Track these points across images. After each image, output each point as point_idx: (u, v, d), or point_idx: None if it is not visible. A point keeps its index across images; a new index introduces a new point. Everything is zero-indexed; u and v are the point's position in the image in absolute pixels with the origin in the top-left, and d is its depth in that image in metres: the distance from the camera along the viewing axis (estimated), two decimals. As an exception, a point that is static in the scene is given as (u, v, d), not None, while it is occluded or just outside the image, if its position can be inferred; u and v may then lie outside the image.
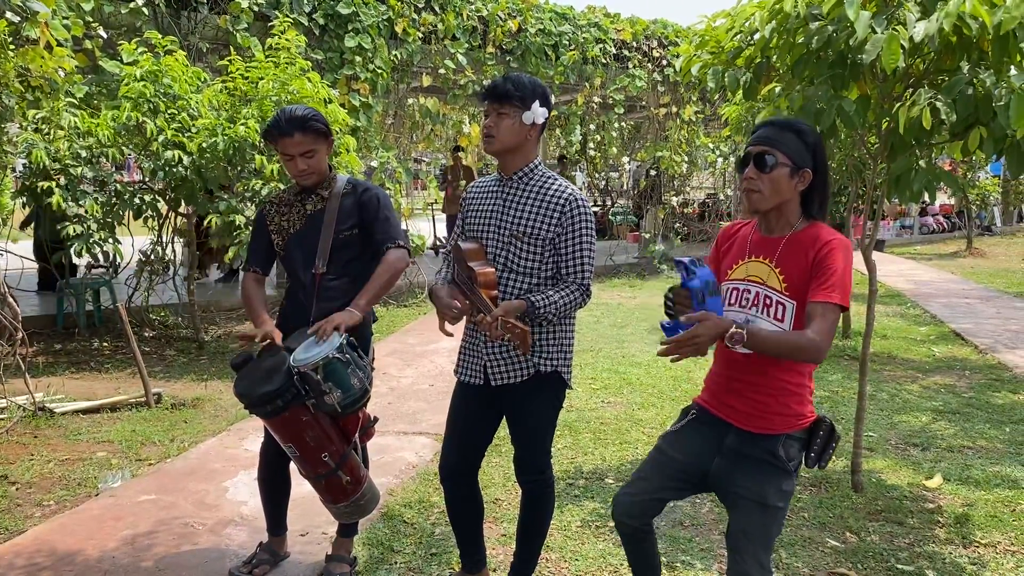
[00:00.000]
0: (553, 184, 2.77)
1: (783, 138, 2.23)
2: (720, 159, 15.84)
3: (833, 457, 4.60)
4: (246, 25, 8.69)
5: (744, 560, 2.19)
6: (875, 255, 4.22)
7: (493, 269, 2.71)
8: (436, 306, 2.77)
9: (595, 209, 17.90)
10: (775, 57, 3.72)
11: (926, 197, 3.61)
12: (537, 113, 2.71)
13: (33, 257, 8.83)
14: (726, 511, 2.35)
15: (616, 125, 14.22)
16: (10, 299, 4.93)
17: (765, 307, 2.24)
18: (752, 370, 2.27)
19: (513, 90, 2.69)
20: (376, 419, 3.10)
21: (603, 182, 19.50)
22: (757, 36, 3.69)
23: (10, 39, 4.44)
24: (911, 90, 3.52)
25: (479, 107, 14.96)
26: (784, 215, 2.29)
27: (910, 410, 5.67)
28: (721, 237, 2.50)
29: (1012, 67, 3.17)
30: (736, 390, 2.31)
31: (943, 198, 23.93)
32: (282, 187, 6.07)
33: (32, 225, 8.90)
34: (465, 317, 2.77)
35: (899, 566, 3.35)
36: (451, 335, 2.79)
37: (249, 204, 6.77)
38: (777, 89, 4.07)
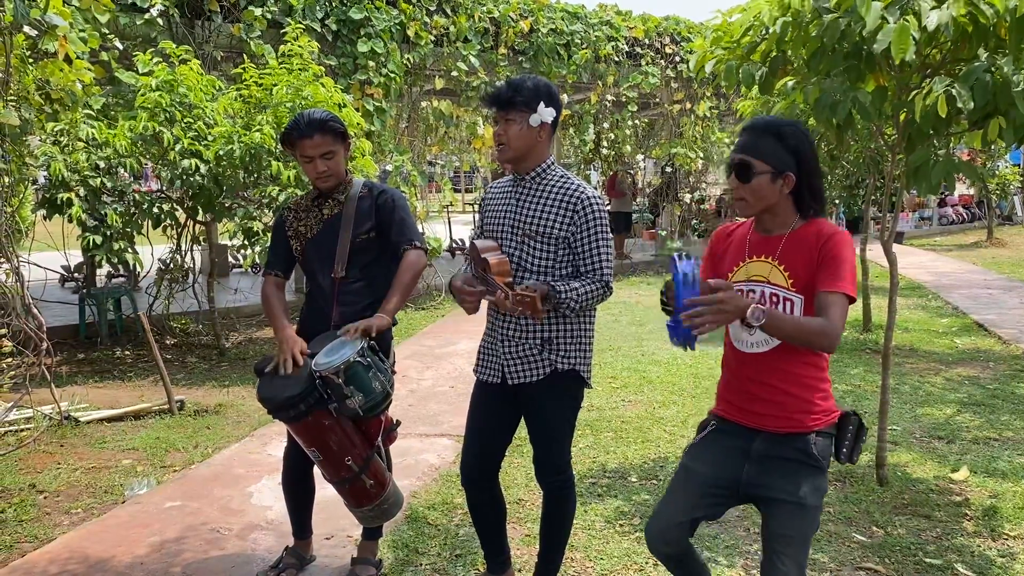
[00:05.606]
0: (566, 183, 2.77)
1: (762, 144, 2.21)
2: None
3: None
4: (259, 33, 8.76)
5: (784, 563, 2.16)
6: (895, 247, 4.19)
7: (506, 257, 2.72)
8: (454, 296, 2.78)
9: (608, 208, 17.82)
10: (790, 51, 3.69)
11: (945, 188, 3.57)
12: (544, 113, 2.70)
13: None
14: (760, 514, 2.31)
15: (630, 123, 14.18)
16: (34, 310, 4.98)
17: (772, 305, 2.22)
18: (770, 368, 2.25)
19: (515, 95, 2.68)
20: (399, 423, 3.12)
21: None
22: (771, 30, 3.67)
23: (28, 53, 4.49)
24: (928, 80, 3.49)
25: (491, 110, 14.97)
26: (778, 215, 2.28)
27: (934, 403, 5.62)
28: (716, 240, 2.47)
29: (1030, 54, 3.13)
30: (757, 393, 2.28)
31: (962, 188, 23.68)
32: (299, 193, 6.11)
33: None
34: (485, 316, 2.78)
35: (927, 560, 3.32)
36: (477, 311, 2.76)
37: (267, 211, 6.82)
38: (792, 83, 4.04)
